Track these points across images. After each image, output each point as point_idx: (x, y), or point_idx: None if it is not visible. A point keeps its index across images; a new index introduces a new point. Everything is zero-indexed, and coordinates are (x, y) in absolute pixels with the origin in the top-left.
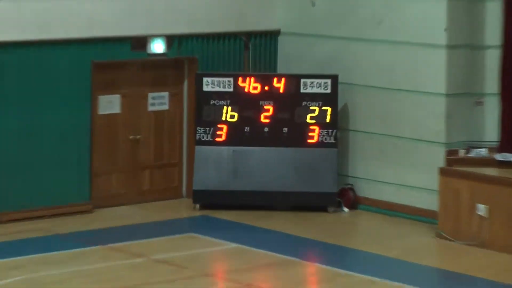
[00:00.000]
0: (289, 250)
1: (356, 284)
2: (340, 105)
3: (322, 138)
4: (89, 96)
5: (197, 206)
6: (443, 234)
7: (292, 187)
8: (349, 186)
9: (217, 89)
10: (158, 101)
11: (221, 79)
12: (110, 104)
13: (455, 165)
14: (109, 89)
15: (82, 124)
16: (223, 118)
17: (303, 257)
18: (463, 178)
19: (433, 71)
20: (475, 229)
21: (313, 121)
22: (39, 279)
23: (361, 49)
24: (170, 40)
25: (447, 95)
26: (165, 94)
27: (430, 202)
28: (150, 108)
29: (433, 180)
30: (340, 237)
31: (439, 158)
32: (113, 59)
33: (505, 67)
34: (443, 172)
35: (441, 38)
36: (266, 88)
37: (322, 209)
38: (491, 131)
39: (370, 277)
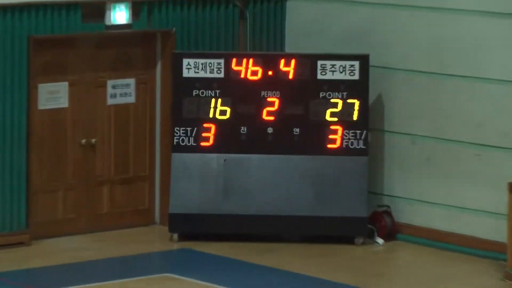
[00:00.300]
0: None
1: None
2: (372, 97)
3: (347, 142)
4: (25, 84)
5: (175, 236)
6: None
7: (306, 210)
8: (385, 208)
9: (202, 74)
10: (121, 91)
11: (207, 60)
12: (54, 95)
13: None
14: (52, 74)
15: (15, 123)
16: (211, 115)
17: None
18: None
19: (501, 51)
20: None
21: (335, 119)
22: None
23: (402, 20)
24: (137, 7)
25: None
26: (130, 81)
27: (496, 230)
28: (110, 101)
29: (500, 200)
30: (371, 279)
31: (509, 169)
32: (58, 33)
33: None
34: None
35: None
36: (270, 73)
37: (348, 240)
38: None
39: None
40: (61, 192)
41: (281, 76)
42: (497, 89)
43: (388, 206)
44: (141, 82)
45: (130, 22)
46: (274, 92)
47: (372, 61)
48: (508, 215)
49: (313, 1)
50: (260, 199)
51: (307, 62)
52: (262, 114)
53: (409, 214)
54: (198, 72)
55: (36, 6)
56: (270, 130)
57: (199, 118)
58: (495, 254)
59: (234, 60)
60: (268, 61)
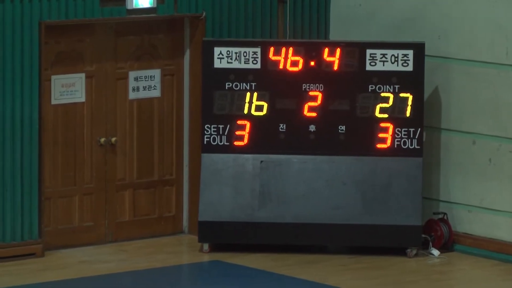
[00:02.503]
0: None
1: None
2: (428, 91)
3: (399, 141)
4: (37, 76)
5: (206, 246)
6: None
7: (352, 217)
8: (441, 216)
9: (235, 65)
10: (144, 83)
11: (242, 49)
12: (69, 88)
13: None
14: (67, 65)
15: (25, 120)
16: (246, 111)
17: None
18: None
19: None
20: None
21: (385, 116)
22: None
23: (462, 3)
24: None
25: None
26: (155, 73)
27: None
28: (132, 95)
29: None
30: None
31: None
32: (73, 19)
33: None
34: None
35: None
36: (312, 63)
37: (400, 251)
38: None
39: None
40: (78, 197)
41: (324, 67)
42: None
43: (445, 214)
44: (167, 73)
45: (155, 5)
46: (316, 85)
47: (428, 50)
48: None
49: None
50: (301, 206)
51: (354, 51)
52: (303, 110)
53: (468, 223)
54: (231, 63)
55: None
56: (312, 128)
57: (233, 114)
58: None
59: (271, 49)
60: (310, 50)
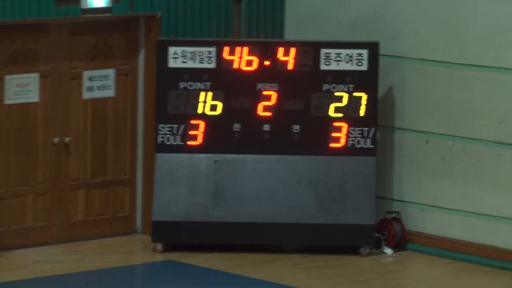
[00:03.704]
0: None
1: None
2: (382, 90)
3: (353, 141)
4: None
5: (159, 246)
6: None
7: (306, 217)
8: (394, 215)
9: (190, 64)
10: (99, 83)
11: (196, 49)
12: (23, 88)
13: None
14: (22, 65)
15: None
16: (200, 111)
17: None
18: None
19: None
20: None
21: (340, 115)
22: None
23: (416, 3)
24: None
25: None
26: (110, 72)
27: None
28: (86, 95)
29: None
30: None
31: None
32: (27, 18)
33: None
34: None
35: None
36: (267, 63)
37: (353, 250)
38: None
39: None
40: (31, 197)
41: (279, 67)
42: None
43: (398, 213)
44: (122, 73)
45: (110, 5)
46: (271, 84)
47: (383, 49)
48: None
49: None
50: (255, 205)
51: (309, 50)
52: (257, 110)
53: (421, 222)
54: (186, 62)
55: None
56: (266, 127)
57: (187, 114)
58: None
59: (226, 49)
60: (265, 50)
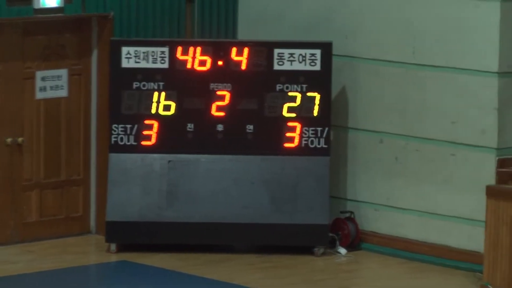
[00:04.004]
0: None
1: None
2: (335, 90)
3: (306, 141)
4: None
5: (113, 246)
6: None
7: (260, 217)
8: (348, 215)
9: (143, 64)
10: (52, 83)
11: (150, 49)
12: None
13: None
14: None
15: None
16: (154, 111)
17: None
18: None
19: (480, 38)
20: None
21: (293, 115)
22: None
23: (369, 3)
24: None
25: (501, 75)
26: (62, 72)
27: (471, 239)
28: (39, 95)
29: (476, 205)
30: None
31: (486, 171)
32: None
33: None
34: (492, 192)
35: None
36: (220, 63)
37: (307, 250)
38: None
39: None
40: None
41: (232, 67)
42: (474, 81)
43: (352, 213)
44: (75, 73)
45: (62, 5)
46: (224, 84)
47: (336, 49)
48: (486, 222)
49: None
50: (209, 205)
51: (262, 50)
52: (211, 110)
53: (375, 221)
54: (139, 62)
55: None
56: (220, 127)
57: (140, 114)
58: (470, 265)
59: (179, 49)
60: (218, 50)
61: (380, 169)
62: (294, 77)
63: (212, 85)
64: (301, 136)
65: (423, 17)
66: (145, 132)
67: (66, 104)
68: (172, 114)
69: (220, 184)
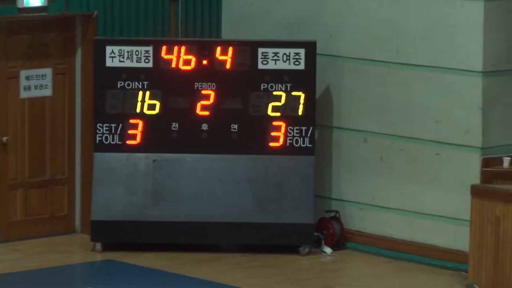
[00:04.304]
0: None
1: None
2: (319, 89)
3: (291, 140)
4: None
5: (98, 245)
6: (476, 287)
7: (245, 216)
8: (333, 214)
9: (128, 64)
10: (36, 82)
11: (134, 48)
12: None
13: (496, 181)
14: None
15: None
16: (138, 110)
17: None
18: (509, 201)
19: (464, 38)
20: None
21: (278, 114)
22: None
23: (353, 2)
24: None
25: (485, 74)
26: (47, 71)
27: (457, 238)
28: (24, 94)
29: (461, 204)
30: None
31: (471, 170)
32: None
33: None
34: (477, 191)
35: None
36: (205, 62)
37: (292, 249)
38: None
39: None
40: None
41: (217, 66)
42: (458, 80)
43: (337, 212)
44: (59, 72)
45: (46, 4)
46: (209, 83)
47: (320, 49)
48: (471, 221)
49: None
50: (194, 204)
51: (247, 50)
52: (196, 109)
53: (360, 221)
54: (123, 61)
55: None
56: (205, 126)
57: (125, 113)
58: (455, 265)
59: (164, 48)
60: (202, 49)
61: (365, 168)
62: (278, 76)
63: (196, 84)
64: (286, 135)
65: (406, 16)
66: (130, 131)
67: (51, 103)
68: (156, 113)
69: (205, 183)
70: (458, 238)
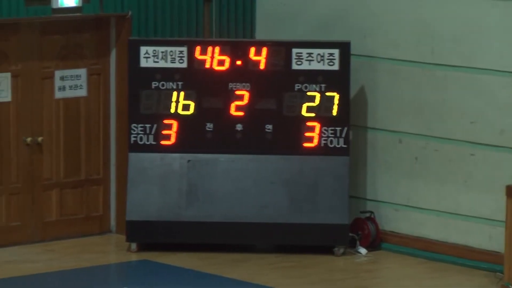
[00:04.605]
0: None
1: None
2: (353, 89)
3: (325, 140)
4: None
5: (133, 245)
6: None
7: (280, 216)
8: (368, 215)
9: (162, 64)
10: (71, 83)
11: (168, 48)
12: None
13: None
14: None
15: None
16: (173, 110)
17: None
18: None
19: (498, 38)
20: None
21: (312, 115)
22: None
23: (387, 2)
24: None
25: None
26: (81, 72)
27: (492, 239)
28: (58, 95)
29: (496, 205)
30: None
31: (506, 171)
32: None
33: None
34: None
35: None
36: (239, 62)
37: (327, 250)
38: None
39: None
40: (4, 197)
41: (251, 66)
42: (493, 81)
43: (372, 212)
44: (94, 73)
45: (80, 5)
46: (243, 84)
47: (354, 49)
48: (506, 222)
49: None
50: (228, 205)
51: (281, 50)
52: (230, 109)
53: (395, 221)
54: (157, 62)
55: None
56: (239, 127)
57: (159, 113)
58: (490, 265)
59: (198, 48)
60: (236, 49)
61: (399, 169)
62: (312, 77)
63: (230, 85)
64: (320, 136)
65: (441, 17)
66: (165, 132)
67: (85, 104)
68: (191, 114)
69: (239, 183)
70: (493, 239)
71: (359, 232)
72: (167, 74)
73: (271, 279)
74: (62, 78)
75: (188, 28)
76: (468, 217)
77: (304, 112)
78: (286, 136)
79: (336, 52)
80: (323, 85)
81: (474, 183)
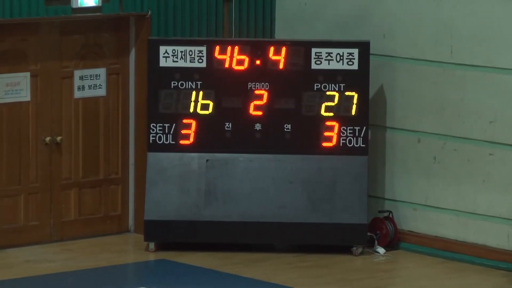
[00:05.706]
0: None
1: None
2: (373, 89)
3: (344, 140)
4: None
5: (152, 245)
6: None
7: (298, 216)
8: (386, 214)
9: (181, 64)
10: (90, 82)
11: (187, 48)
12: (13, 87)
13: None
14: (11, 64)
15: None
16: (191, 110)
17: None
18: None
19: None
20: None
21: (331, 114)
22: None
23: (407, 2)
24: None
25: None
26: (100, 72)
27: (509, 238)
28: (77, 94)
29: None
30: None
31: None
32: (18, 18)
33: None
34: None
35: None
36: (258, 62)
37: (345, 249)
38: None
39: None
40: (23, 197)
41: (270, 66)
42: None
43: (390, 212)
44: (113, 72)
45: (100, 4)
46: (262, 83)
47: (373, 49)
48: None
49: None
50: (247, 204)
51: (300, 50)
52: (249, 109)
53: (413, 221)
54: (176, 61)
55: None
56: (258, 126)
57: (178, 113)
58: (508, 265)
59: (217, 48)
60: (255, 49)
61: (418, 168)
62: (331, 76)
63: (250, 84)
64: (339, 135)
65: (460, 16)
66: (183, 131)
67: (104, 103)
68: (210, 113)
69: (258, 183)
70: (511, 239)
71: (378, 231)
72: (186, 73)
73: (289, 279)
74: (81, 78)
75: (208, 27)
76: (487, 216)
77: (323, 112)
78: (305, 136)
79: (355, 51)
80: (342, 85)
81: (493, 183)
